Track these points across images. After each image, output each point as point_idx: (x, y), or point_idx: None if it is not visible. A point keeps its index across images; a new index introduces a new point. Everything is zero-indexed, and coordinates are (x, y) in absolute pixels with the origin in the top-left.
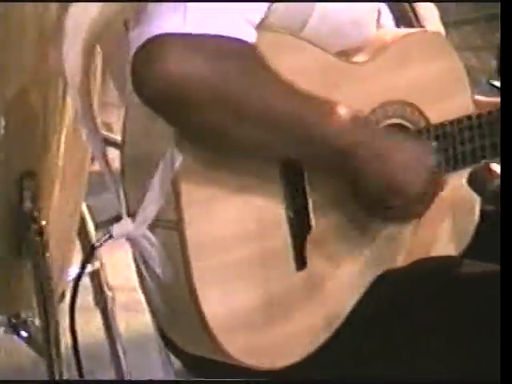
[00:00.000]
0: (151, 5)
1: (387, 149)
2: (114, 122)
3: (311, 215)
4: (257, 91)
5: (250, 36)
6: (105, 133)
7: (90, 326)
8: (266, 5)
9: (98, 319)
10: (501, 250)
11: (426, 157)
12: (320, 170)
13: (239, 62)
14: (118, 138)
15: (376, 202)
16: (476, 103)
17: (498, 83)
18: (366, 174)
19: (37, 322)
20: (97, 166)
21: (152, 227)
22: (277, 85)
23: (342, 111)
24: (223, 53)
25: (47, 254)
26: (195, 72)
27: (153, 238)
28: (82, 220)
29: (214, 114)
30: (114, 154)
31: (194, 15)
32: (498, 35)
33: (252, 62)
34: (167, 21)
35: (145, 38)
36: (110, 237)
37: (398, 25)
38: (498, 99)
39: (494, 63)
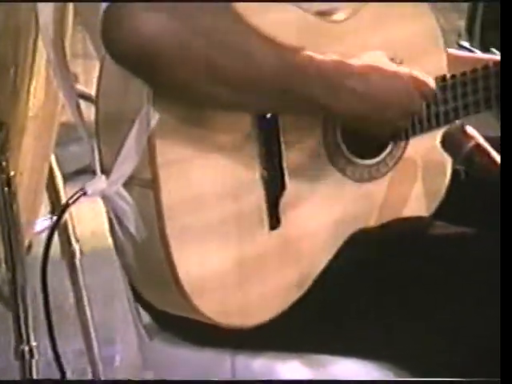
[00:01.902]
0: None
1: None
2: (80, 72)
3: (286, 175)
4: (232, 44)
5: None
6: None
7: (56, 278)
8: None
9: (64, 272)
10: (501, 250)
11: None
12: (299, 120)
13: (210, 18)
14: (84, 89)
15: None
16: (452, 58)
17: (466, 43)
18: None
19: (3, 272)
20: (64, 117)
21: (127, 185)
22: (253, 37)
23: (326, 60)
24: (192, 9)
25: (14, 205)
26: (166, 28)
27: (127, 197)
28: (51, 172)
29: (187, 70)
30: (82, 105)
31: None
32: None
33: (224, 18)
34: None
35: None
36: (84, 194)
37: None
38: (472, 55)
39: (461, 23)
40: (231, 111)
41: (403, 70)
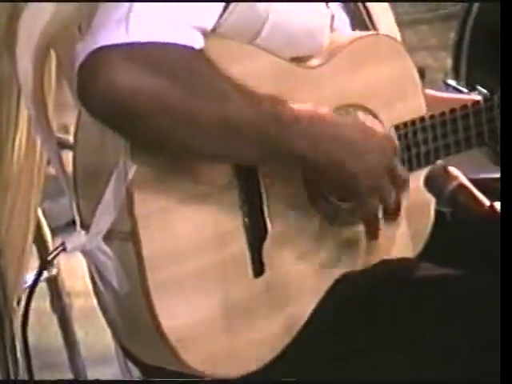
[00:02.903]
0: (97, 15)
1: (354, 140)
2: (72, 123)
3: (267, 220)
4: (208, 97)
5: (197, 42)
6: (61, 135)
7: (48, 331)
8: (218, 10)
9: (55, 325)
10: (501, 253)
11: (389, 149)
12: (277, 168)
13: (186, 69)
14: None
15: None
16: (431, 98)
17: (452, 82)
18: (325, 163)
19: None
20: (54, 170)
21: (107, 238)
22: (229, 89)
23: (299, 108)
24: (168, 60)
25: (1, 262)
26: (140, 83)
27: (108, 250)
28: (38, 225)
29: (163, 124)
30: (70, 156)
31: (137, 25)
32: (453, 35)
33: (200, 68)
34: (110, 32)
35: (88, 52)
36: (64, 250)
37: (352, 27)
38: (450, 95)
39: (449, 62)
40: (208, 162)
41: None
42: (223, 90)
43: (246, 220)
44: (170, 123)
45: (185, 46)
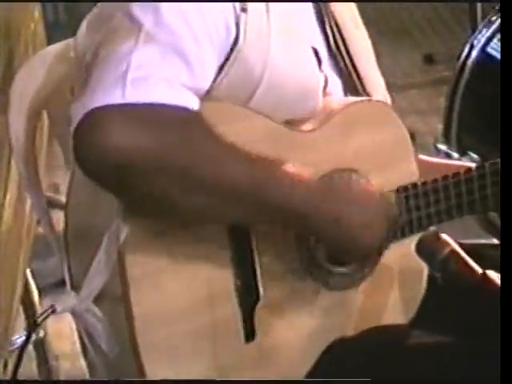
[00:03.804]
0: (93, 76)
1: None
2: (61, 183)
3: (260, 284)
4: (204, 159)
5: (193, 103)
6: (51, 195)
7: None
8: (213, 72)
9: None
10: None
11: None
12: (272, 230)
13: (182, 131)
14: (64, 199)
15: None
16: (424, 164)
17: (443, 147)
18: (324, 231)
19: None
20: (43, 230)
21: (97, 300)
22: (225, 150)
23: (297, 172)
24: (164, 122)
25: None
26: (136, 144)
27: (98, 312)
28: (26, 286)
29: (159, 186)
30: (60, 216)
31: (133, 86)
32: (443, 99)
33: (196, 130)
34: (106, 93)
35: (84, 112)
36: (53, 311)
37: (345, 92)
38: (443, 161)
39: (439, 127)
40: (203, 223)
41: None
42: (219, 152)
43: (238, 283)
44: (166, 185)
45: (181, 108)
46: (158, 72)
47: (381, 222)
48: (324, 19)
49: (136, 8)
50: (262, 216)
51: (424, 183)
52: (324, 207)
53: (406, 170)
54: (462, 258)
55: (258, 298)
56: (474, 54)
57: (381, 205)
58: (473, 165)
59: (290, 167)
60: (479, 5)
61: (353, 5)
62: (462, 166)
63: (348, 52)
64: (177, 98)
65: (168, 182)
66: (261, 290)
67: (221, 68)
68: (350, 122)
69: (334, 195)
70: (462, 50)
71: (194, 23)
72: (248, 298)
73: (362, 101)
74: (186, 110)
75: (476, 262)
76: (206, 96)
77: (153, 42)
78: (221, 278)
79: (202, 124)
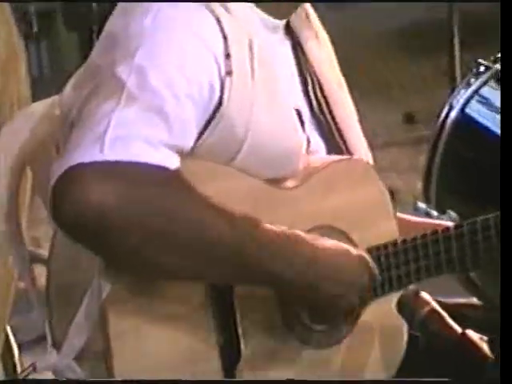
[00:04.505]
0: (73, 134)
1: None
2: (42, 237)
3: (241, 341)
4: (183, 217)
5: (171, 162)
6: (32, 249)
7: None
8: (194, 132)
9: None
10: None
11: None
12: (252, 288)
13: (159, 189)
14: (45, 253)
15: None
16: (403, 222)
17: (423, 205)
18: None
19: None
20: (23, 284)
21: (78, 357)
22: (204, 209)
23: (274, 229)
24: (141, 180)
25: None
26: (113, 202)
27: (78, 370)
28: (6, 341)
29: (137, 244)
30: (41, 270)
31: (113, 144)
32: (423, 158)
33: (174, 189)
34: (85, 151)
35: (63, 169)
36: (34, 369)
37: (328, 152)
38: (422, 220)
39: (419, 185)
40: (183, 280)
41: (354, 250)
42: (198, 210)
43: (220, 340)
44: (144, 243)
45: (159, 167)
46: (137, 131)
47: (359, 282)
48: (307, 80)
49: (120, 67)
50: (240, 274)
51: (403, 241)
52: (299, 267)
53: (386, 228)
54: (442, 318)
55: (239, 355)
56: (453, 114)
57: (359, 268)
58: (451, 224)
59: (269, 226)
60: (458, 64)
61: (336, 65)
62: (441, 224)
63: (331, 112)
64: (155, 157)
65: (146, 241)
66: (242, 347)
67: (205, 128)
68: (331, 180)
69: (310, 255)
70: (442, 110)
71: (177, 85)
72: (230, 355)
73: (343, 159)
74: (164, 168)
75: (456, 322)
76: (189, 154)
77: (134, 103)
78: (203, 335)
79: (180, 183)
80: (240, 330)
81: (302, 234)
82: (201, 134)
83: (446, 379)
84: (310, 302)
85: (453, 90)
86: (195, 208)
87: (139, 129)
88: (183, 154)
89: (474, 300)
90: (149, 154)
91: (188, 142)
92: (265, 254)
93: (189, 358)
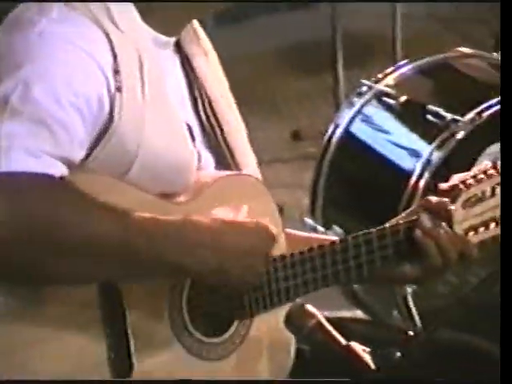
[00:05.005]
0: None
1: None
2: None
3: (133, 355)
4: (71, 222)
5: (56, 170)
6: None
7: None
8: (82, 143)
9: None
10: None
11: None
12: (145, 300)
13: (42, 195)
14: None
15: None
16: (290, 237)
17: (309, 220)
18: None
19: None
20: None
21: None
22: (93, 209)
23: (166, 218)
24: (24, 190)
25: None
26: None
27: None
28: None
29: (24, 252)
30: None
31: None
32: (309, 174)
33: (58, 192)
34: None
35: None
36: None
37: (217, 167)
38: (309, 235)
39: (305, 201)
40: (80, 283)
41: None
42: (86, 211)
43: (112, 354)
44: (32, 251)
45: (43, 174)
46: (19, 142)
47: (261, 247)
48: (196, 96)
49: (6, 81)
50: (136, 267)
51: (291, 255)
52: (199, 251)
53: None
54: (327, 330)
55: (131, 369)
56: (338, 132)
57: (258, 235)
58: (337, 238)
59: (160, 217)
60: (342, 82)
61: (225, 81)
62: (327, 239)
63: (220, 128)
64: (36, 166)
65: (34, 249)
66: (134, 360)
67: (96, 142)
68: (220, 196)
69: (209, 238)
70: (327, 129)
71: (63, 97)
72: (120, 368)
73: (232, 175)
74: (48, 176)
75: (341, 334)
76: (84, 168)
77: (19, 116)
78: (93, 350)
79: (66, 188)
80: (132, 344)
81: (200, 219)
82: (92, 148)
83: None
84: (221, 282)
85: (337, 108)
86: (83, 209)
87: (22, 140)
88: (73, 167)
89: (358, 313)
90: (27, 163)
91: (76, 154)
92: (160, 244)
93: (80, 371)
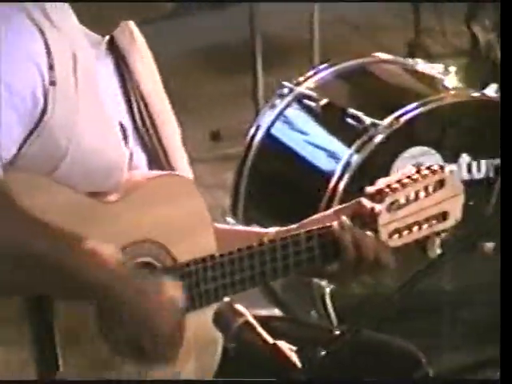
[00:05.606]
0: None
1: (138, 291)
2: None
3: (59, 355)
4: (5, 231)
5: None
6: None
7: None
8: (16, 142)
9: None
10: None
11: (176, 299)
12: (71, 301)
13: None
14: None
15: (128, 343)
16: (222, 232)
17: (231, 219)
18: (121, 311)
19: None
20: None
21: None
22: (23, 220)
23: (93, 247)
24: None
25: None
26: None
27: None
28: None
29: None
30: None
31: None
32: (229, 175)
33: None
34: None
35: None
36: None
37: (149, 166)
38: (235, 228)
39: (226, 201)
40: (11, 294)
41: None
42: (16, 226)
43: (37, 354)
44: None
45: None
46: None
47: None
48: (130, 96)
49: None
50: (60, 283)
51: (221, 255)
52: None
53: (205, 240)
54: (255, 329)
55: (57, 369)
56: (260, 134)
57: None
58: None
59: (90, 244)
60: (261, 84)
61: (159, 80)
62: (260, 232)
63: (155, 128)
64: None
65: None
66: (60, 361)
67: (26, 138)
68: (151, 195)
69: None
70: (249, 131)
71: None
72: (46, 369)
73: (164, 174)
74: None
75: (268, 333)
76: (9, 165)
77: None
78: (18, 349)
79: (2, 197)
80: (59, 345)
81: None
82: (23, 144)
83: None
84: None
85: (256, 109)
86: (13, 223)
87: None
88: (5, 165)
89: (276, 311)
90: None
91: (8, 153)
92: (84, 263)
93: (3, 371)
